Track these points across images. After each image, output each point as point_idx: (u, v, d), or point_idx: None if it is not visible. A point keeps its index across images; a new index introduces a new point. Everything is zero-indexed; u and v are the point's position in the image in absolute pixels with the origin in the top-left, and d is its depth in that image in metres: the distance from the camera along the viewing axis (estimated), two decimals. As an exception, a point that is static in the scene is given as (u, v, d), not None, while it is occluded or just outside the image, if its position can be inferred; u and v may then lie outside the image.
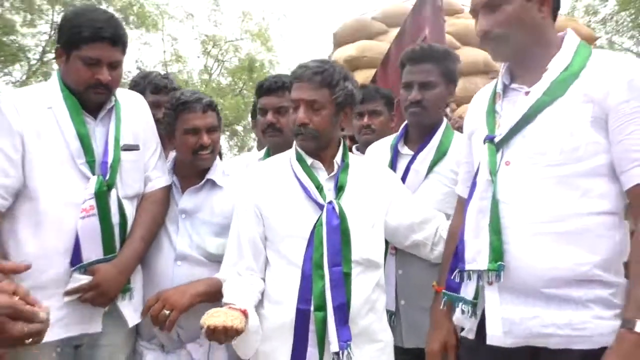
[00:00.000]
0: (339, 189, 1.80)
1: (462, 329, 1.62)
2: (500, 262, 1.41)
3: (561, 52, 1.48)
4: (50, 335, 1.52)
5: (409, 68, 2.10)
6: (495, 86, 1.62)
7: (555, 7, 1.53)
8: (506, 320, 1.41)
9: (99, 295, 1.77)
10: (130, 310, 1.90)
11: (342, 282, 1.69)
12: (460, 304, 1.54)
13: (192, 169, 2.07)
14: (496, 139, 1.51)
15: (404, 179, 2.06)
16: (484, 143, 1.54)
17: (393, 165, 2.13)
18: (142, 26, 17.82)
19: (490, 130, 1.55)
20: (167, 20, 19.53)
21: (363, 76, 6.09)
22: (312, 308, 1.68)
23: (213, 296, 1.86)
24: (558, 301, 1.37)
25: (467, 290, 1.53)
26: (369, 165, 1.98)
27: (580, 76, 1.42)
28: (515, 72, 1.58)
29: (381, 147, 2.25)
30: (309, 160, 1.83)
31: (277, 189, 1.83)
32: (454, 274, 1.57)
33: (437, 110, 2.10)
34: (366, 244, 1.78)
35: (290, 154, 1.89)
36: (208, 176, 2.07)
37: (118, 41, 1.83)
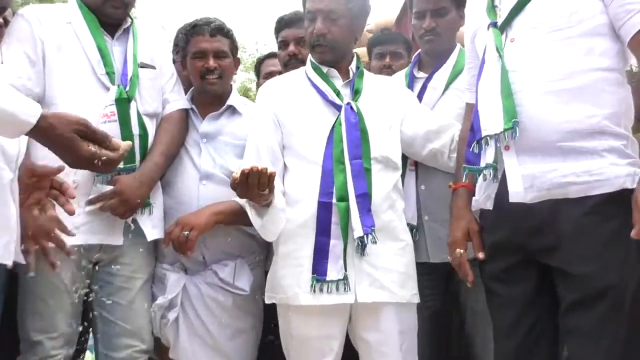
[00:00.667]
0: (356, 92, 1.82)
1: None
2: (515, 120, 1.44)
3: None
4: (71, 241, 1.53)
5: None
6: None
7: None
8: (527, 176, 1.45)
9: (121, 204, 1.77)
10: (149, 226, 1.89)
11: (363, 174, 1.70)
12: (482, 172, 1.55)
13: (208, 97, 2.09)
14: (499, 23, 1.57)
15: (420, 97, 2.06)
16: (488, 29, 1.60)
17: (409, 89, 2.13)
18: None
19: (492, 19, 1.61)
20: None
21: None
22: (334, 200, 1.68)
23: (232, 216, 1.87)
24: (575, 154, 1.41)
25: (487, 157, 1.54)
26: (383, 78, 2.02)
27: None
28: None
29: (397, 77, 2.27)
30: (325, 69, 1.85)
31: (295, 96, 1.85)
32: (472, 145, 1.58)
33: (451, 36, 2.12)
34: (384, 143, 1.79)
35: (304, 68, 1.92)
36: (229, 102, 2.09)
37: None
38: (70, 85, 1.80)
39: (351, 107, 1.77)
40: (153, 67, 1.99)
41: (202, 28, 2.03)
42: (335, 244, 1.68)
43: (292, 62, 2.27)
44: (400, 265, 1.75)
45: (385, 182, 1.76)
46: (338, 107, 1.78)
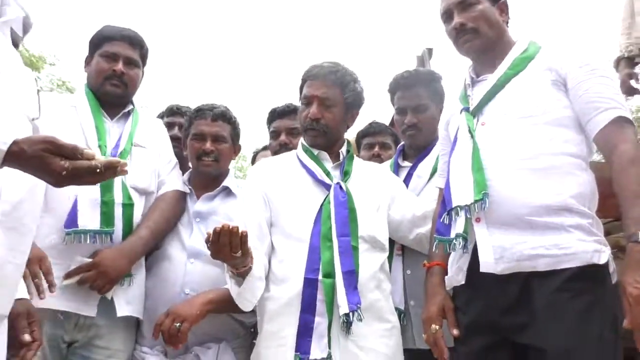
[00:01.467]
0: (345, 174, 1.88)
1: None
2: (484, 191, 1.51)
3: (517, 43, 1.75)
4: (42, 303, 1.53)
5: (401, 94, 2.26)
6: (465, 80, 1.83)
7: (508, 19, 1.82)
8: (497, 247, 1.50)
9: (98, 276, 1.75)
10: (122, 301, 1.84)
11: (351, 252, 1.70)
12: (450, 243, 1.59)
13: (204, 179, 2.15)
14: (471, 109, 1.70)
15: (406, 184, 2.13)
16: (461, 113, 1.72)
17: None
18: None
19: (465, 105, 1.74)
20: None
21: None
22: (319, 277, 1.67)
23: (224, 304, 1.83)
24: (543, 228, 1.47)
25: (457, 227, 1.58)
26: (372, 163, 2.09)
27: (536, 57, 1.67)
28: (479, 69, 1.80)
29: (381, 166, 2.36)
30: (316, 151, 1.93)
31: (285, 176, 1.90)
32: (443, 216, 1.63)
33: (432, 129, 2.20)
34: (372, 223, 1.82)
35: (295, 151, 2.00)
36: (224, 183, 2.14)
37: (136, 43, 2.07)
38: None
39: (340, 187, 1.81)
40: (149, 148, 2.06)
41: (204, 112, 2.14)
42: (320, 321, 1.65)
43: (282, 152, 2.32)
44: (386, 347, 1.71)
45: (372, 262, 1.76)
46: (327, 186, 1.83)
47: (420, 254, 1.97)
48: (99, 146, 1.91)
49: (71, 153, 1.10)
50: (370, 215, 1.83)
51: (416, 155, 2.24)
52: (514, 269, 1.47)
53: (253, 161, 3.09)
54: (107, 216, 1.82)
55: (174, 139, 2.50)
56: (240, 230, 1.47)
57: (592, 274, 1.41)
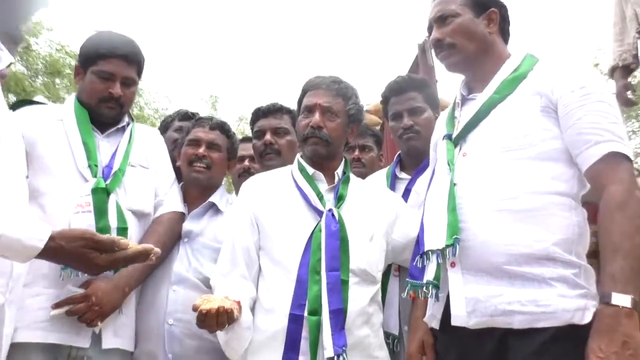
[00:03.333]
0: (339, 199, 1.77)
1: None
2: (455, 236, 1.40)
3: (510, 59, 1.61)
4: (31, 337, 1.45)
5: (395, 99, 2.17)
6: (455, 98, 1.72)
7: (504, 29, 1.68)
8: (470, 299, 1.39)
9: (89, 309, 1.65)
10: (110, 332, 1.75)
11: (340, 288, 1.60)
12: (423, 289, 1.49)
13: (195, 190, 2.08)
14: (453, 136, 1.59)
15: (404, 200, 2.02)
16: (443, 140, 1.62)
17: (391, 189, 2.11)
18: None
19: (449, 130, 1.64)
20: (167, 124, 20.25)
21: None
22: (305, 314, 1.58)
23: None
24: (522, 279, 1.35)
25: (428, 273, 1.48)
26: (370, 184, 1.97)
27: (528, 76, 1.53)
28: (471, 85, 1.69)
29: (378, 176, 2.27)
30: (311, 171, 1.82)
31: (276, 196, 1.80)
32: (416, 259, 1.54)
33: (430, 135, 2.11)
34: (364, 255, 1.70)
35: (291, 167, 1.89)
36: (211, 199, 2.05)
37: (133, 60, 1.93)
38: (52, 178, 1.78)
39: (332, 214, 1.70)
40: (146, 168, 1.96)
41: (203, 120, 2.10)
42: None
43: (267, 152, 2.24)
44: None
45: (362, 296, 1.66)
46: (319, 213, 1.72)
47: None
48: (89, 166, 1.81)
49: (109, 247, 1.22)
50: (362, 246, 1.71)
51: (414, 165, 2.14)
52: (487, 324, 1.36)
53: None
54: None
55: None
56: (228, 309, 1.41)
57: (574, 334, 1.28)
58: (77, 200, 1.73)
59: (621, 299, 1.22)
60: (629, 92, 3.30)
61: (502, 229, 1.38)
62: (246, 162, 2.67)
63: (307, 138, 1.80)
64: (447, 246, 1.40)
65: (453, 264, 1.43)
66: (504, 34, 1.69)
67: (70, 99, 1.97)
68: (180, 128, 2.53)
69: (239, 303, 1.51)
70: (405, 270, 1.90)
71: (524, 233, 1.37)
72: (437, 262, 1.45)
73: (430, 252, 1.46)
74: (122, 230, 1.78)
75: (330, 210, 1.72)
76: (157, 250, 1.31)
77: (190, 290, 1.86)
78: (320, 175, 1.82)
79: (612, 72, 3.39)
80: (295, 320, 1.58)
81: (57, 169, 1.79)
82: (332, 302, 1.57)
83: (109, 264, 1.23)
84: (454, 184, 1.49)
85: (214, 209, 2.05)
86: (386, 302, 1.88)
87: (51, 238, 1.14)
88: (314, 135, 1.78)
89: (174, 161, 2.17)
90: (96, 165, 1.82)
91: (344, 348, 1.53)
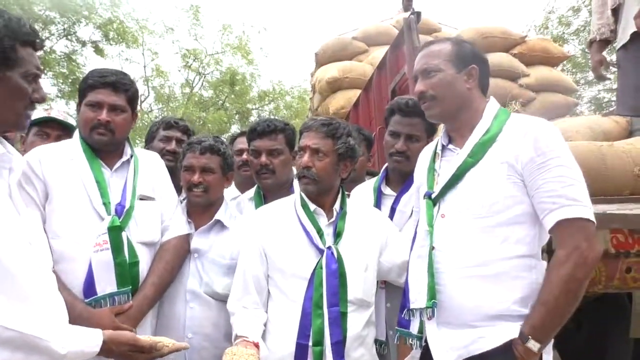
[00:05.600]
0: (337, 235, 2.00)
1: None
2: (433, 300, 1.69)
3: (482, 118, 1.78)
4: None
5: (399, 118, 2.33)
6: (436, 147, 1.90)
7: (483, 83, 1.83)
8: (445, 342, 1.69)
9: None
10: None
11: (339, 321, 1.89)
12: (409, 338, 1.84)
13: (198, 208, 2.27)
14: (433, 195, 1.80)
15: (390, 218, 2.26)
16: (424, 198, 1.83)
17: (377, 206, 2.36)
18: (122, 42, 17.84)
19: (429, 186, 1.84)
20: (147, 35, 19.63)
21: (345, 96, 6.32)
22: (310, 343, 1.87)
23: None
24: (482, 327, 1.63)
25: (413, 326, 1.82)
26: (364, 212, 2.17)
27: (497, 140, 1.71)
28: (451, 135, 1.88)
29: (365, 189, 2.49)
30: (312, 207, 2.03)
31: (282, 231, 2.03)
32: (404, 312, 1.84)
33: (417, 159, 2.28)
34: (360, 286, 1.97)
35: (294, 199, 2.10)
36: (216, 216, 2.26)
37: (120, 88, 2.06)
38: (70, 219, 1.94)
39: (332, 253, 1.94)
40: (153, 199, 2.14)
41: (193, 146, 2.25)
42: None
43: (264, 172, 2.41)
44: None
45: (358, 323, 1.95)
46: (321, 251, 1.95)
47: (399, 288, 2.14)
48: (104, 203, 1.97)
49: (149, 350, 1.51)
50: (358, 277, 1.98)
51: (399, 182, 2.33)
52: (463, 355, 1.64)
53: (231, 143, 3.16)
54: (122, 277, 1.94)
55: (170, 152, 2.64)
56: None
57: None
58: (95, 240, 1.93)
59: (533, 345, 1.54)
60: (602, 67, 3.37)
61: (472, 293, 1.65)
62: (244, 156, 2.88)
63: (300, 177, 2.02)
64: (427, 307, 1.69)
65: (430, 318, 1.72)
66: (483, 87, 1.85)
67: (76, 135, 2.12)
68: (165, 138, 2.72)
69: (257, 345, 1.78)
70: (389, 283, 2.18)
71: (490, 296, 1.63)
72: (419, 319, 1.76)
73: (414, 310, 1.76)
74: (134, 265, 2.00)
75: (329, 248, 1.96)
76: (187, 345, 1.66)
77: (204, 306, 2.14)
78: (320, 210, 2.04)
79: (590, 45, 3.43)
80: (301, 349, 1.87)
81: (74, 210, 1.96)
82: (333, 335, 1.86)
83: None
84: (433, 248, 1.73)
85: (220, 224, 2.27)
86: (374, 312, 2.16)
87: (104, 342, 1.39)
88: (304, 175, 1.99)
89: (169, 170, 2.35)
90: (109, 203, 1.99)
91: None
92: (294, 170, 2.32)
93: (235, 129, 20.75)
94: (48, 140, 2.58)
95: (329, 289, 1.90)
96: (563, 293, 1.54)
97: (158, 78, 20.93)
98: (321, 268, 1.92)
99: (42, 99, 1.42)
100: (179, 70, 21.30)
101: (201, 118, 19.37)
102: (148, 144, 2.83)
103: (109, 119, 2.02)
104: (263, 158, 2.40)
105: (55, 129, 2.66)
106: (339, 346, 1.86)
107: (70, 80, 16.31)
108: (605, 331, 3.64)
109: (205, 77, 21.50)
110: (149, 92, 20.85)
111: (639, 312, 2.79)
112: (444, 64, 1.77)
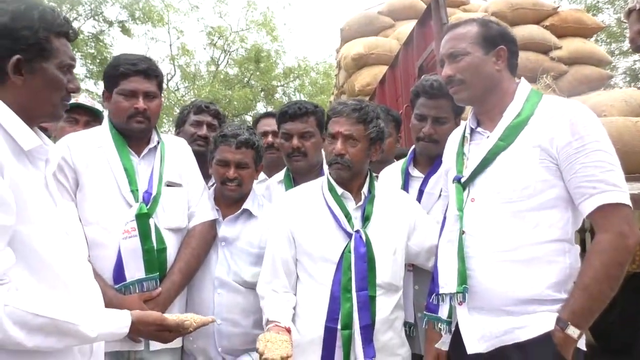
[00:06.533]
0: (366, 219, 1.99)
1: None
2: (464, 285, 1.66)
3: (514, 101, 1.74)
4: (106, 347, 1.76)
5: (424, 101, 2.28)
6: (465, 130, 1.86)
7: (512, 63, 1.78)
8: (477, 330, 1.66)
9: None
10: None
11: (368, 305, 1.89)
12: (438, 323, 1.81)
13: (228, 199, 2.28)
14: (463, 179, 1.77)
15: (418, 200, 2.24)
16: (453, 182, 1.80)
17: (405, 188, 2.34)
18: (148, 21, 17.94)
19: (458, 170, 1.82)
20: (172, 13, 19.69)
21: (371, 73, 6.23)
22: (339, 327, 1.88)
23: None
24: (517, 314, 1.61)
25: (443, 311, 1.79)
26: (393, 195, 2.15)
27: (529, 123, 1.67)
28: (479, 118, 1.83)
29: (393, 171, 2.47)
30: (340, 191, 2.02)
31: (310, 215, 2.03)
32: (432, 297, 1.82)
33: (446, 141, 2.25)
34: (388, 270, 1.97)
35: (322, 183, 2.09)
36: (244, 206, 2.26)
37: (151, 74, 2.09)
38: (99, 206, 1.99)
39: (360, 237, 1.94)
40: (180, 185, 2.16)
41: (228, 139, 2.21)
42: None
43: (295, 155, 2.39)
44: None
45: (387, 305, 1.95)
46: (349, 235, 1.95)
47: (427, 271, 2.14)
48: (132, 191, 2.01)
49: (176, 328, 1.55)
50: (387, 260, 1.97)
51: (427, 164, 2.31)
52: (496, 344, 1.63)
53: (255, 125, 3.09)
54: (150, 263, 1.98)
55: (202, 137, 2.65)
56: (287, 356, 1.62)
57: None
58: (124, 227, 1.97)
59: (573, 331, 1.52)
60: None
61: (503, 277, 1.63)
62: (269, 138, 2.88)
63: (331, 164, 2.00)
64: (458, 292, 1.68)
65: (460, 303, 1.70)
66: (512, 68, 1.79)
67: (105, 123, 2.15)
68: (196, 122, 2.73)
69: (289, 330, 1.79)
70: (417, 266, 2.18)
71: (522, 280, 1.60)
72: (449, 304, 1.74)
73: (444, 295, 1.74)
74: (161, 251, 2.03)
75: (358, 231, 1.95)
76: (213, 318, 1.68)
77: (232, 293, 2.16)
78: (348, 194, 2.03)
79: (629, 14, 3.28)
80: (330, 332, 1.88)
81: (104, 197, 2.00)
82: (362, 319, 1.87)
83: (175, 338, 1.59)
84: (463, 232, 1.71)
85: (247, 213, 2.28)
86: (402, 295, 2.15)
87: (132, 323, 1.43)
88: (337, 162, 1.98)
89: (197, 154, 2.37)
90: (137, 190, 2.02)
91: (373, 358, 1.85)
92: (323, 153, 2.32)
93: (260, 106, 20.81)
94: (77, 126, 2.64)
95: (357, 272, 1.90)
96: (605, 278, 1.52)
97: (184, 56, 21.04)
98: (349, 252, 1.92)
99: (77, 89, 1.44)
100: (204, 48, 21.38)
101: (227, 96, 19.42)
102: (179, 128, 2.84)
103: (145, 106, 2.05)
104: (295, 141, 2.38)
105: (84, 115, 2.71)
106: (368, 330, 1.86)
107: (98, 60, 16.53)
108: (638, 310, 3.60)
109: (230, 54, 21.53)
110: (175, 71, 21.01)
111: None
112: (471, 46, 1.73)
